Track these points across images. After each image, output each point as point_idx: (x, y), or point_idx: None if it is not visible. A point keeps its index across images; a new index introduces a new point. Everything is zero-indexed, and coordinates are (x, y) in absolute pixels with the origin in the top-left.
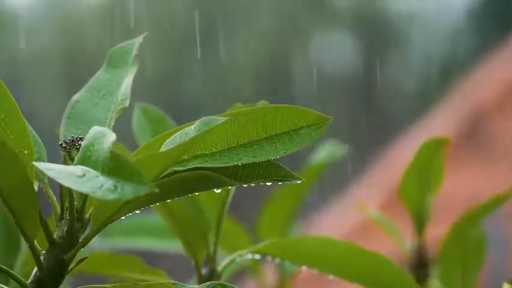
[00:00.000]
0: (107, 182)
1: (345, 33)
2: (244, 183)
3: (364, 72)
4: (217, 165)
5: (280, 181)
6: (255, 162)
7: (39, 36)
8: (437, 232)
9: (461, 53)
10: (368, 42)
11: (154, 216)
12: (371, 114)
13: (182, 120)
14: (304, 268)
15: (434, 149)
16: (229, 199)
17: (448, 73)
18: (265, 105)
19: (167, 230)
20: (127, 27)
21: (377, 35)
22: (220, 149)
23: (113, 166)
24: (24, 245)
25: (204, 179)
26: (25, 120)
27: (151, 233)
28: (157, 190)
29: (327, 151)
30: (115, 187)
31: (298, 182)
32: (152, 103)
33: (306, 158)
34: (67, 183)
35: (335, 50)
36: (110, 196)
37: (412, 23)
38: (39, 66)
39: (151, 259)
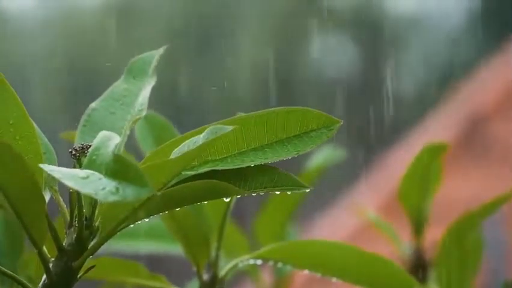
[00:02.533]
0: (109, 184)
1: (344, 37)
2: (253, 192)
3: (363, 76)
4: (229, 168)
5: (289, 190)
6: (264, 171)
7: (38, 40)
8: (436, 235)
9: (461, 56)
10: (367, 46)
11: (153, 218)
12: (370, 117)
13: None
14: (306, 272)
15: (433, 154)
16: (232, 204)
17: (447, 77)
18: (276, 108)
19: (167, 233)
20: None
21: (377, 39)
22: (231, 153)
23: (116, 168)
24: (26, 248)
25: (213, 188)
26: (35, 126)
27: (150, 236)
28: (158, 193)
29: (325, 155)
30: (117, 189)
31: (307, 190)
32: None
33: (304, 162)
34: (69, 183)
35: (333, 54)
36: (111, 198)
37: (412, 26)
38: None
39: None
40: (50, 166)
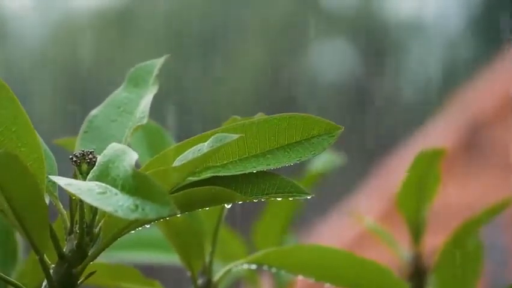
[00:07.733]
0: (127, 201)
1: (344, 43)
2: (255, 198)
3: (363, 82)
4: (231, 174)
5: (291, 196)
6: (266, 177)
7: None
8: (436, 241)
9: (461, 63)
10: (367, 52)
11: (149, 229)
12: (370, 124)
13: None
14: (300, 277)
15: (429, 159)
16: (226, 209)
17: (447, 83)
18: (277, 115)
19: (163, 243)
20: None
21: (377, 45)
22: (232, 160)
23: (135, 185)
24: (20, 256)
25: (216, 195)
26: (36, 133)
27: (147, 246)
28: (179, 213)
29: (324, 161)
30: (136, 206)
31: (309, 197)
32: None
33: (303, 167)
34: (88, 199)
35: (333, 60)
36: (132, 216)
37: (411, 33)
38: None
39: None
40: (65, 179)
